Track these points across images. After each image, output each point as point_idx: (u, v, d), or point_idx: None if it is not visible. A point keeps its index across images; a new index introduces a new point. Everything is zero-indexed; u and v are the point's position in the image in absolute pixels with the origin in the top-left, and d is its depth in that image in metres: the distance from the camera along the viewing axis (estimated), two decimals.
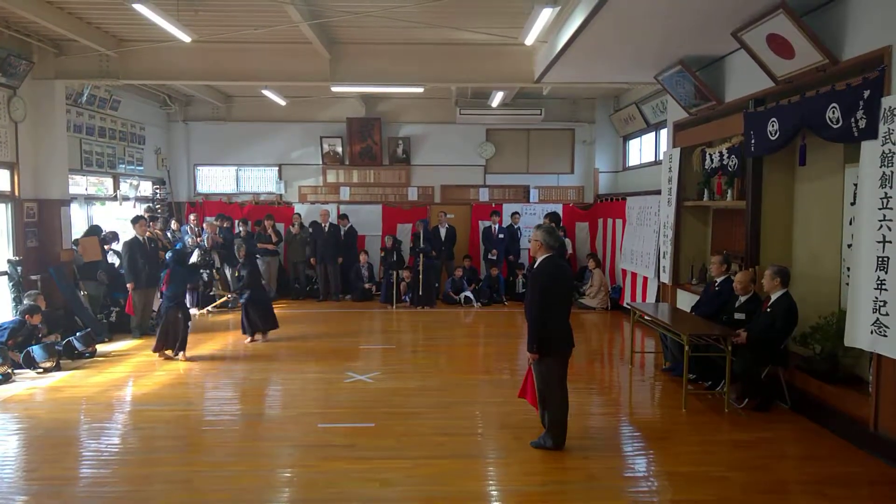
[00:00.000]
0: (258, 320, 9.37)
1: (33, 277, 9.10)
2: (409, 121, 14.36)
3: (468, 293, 12.66)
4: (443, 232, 13.17)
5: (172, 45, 9.16)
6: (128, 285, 9.57)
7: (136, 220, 9.95)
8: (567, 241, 13.61)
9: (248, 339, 9.34)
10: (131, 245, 9.61)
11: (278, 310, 12.11)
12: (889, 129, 5.01)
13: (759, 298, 6.82)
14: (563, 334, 5.29)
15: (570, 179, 14.48)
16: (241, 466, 5.11)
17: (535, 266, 5.39)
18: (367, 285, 13.15)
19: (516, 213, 13.60)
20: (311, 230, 13.09)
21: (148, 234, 10.01)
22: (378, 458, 5.20)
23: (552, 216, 8.56)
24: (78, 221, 10.41)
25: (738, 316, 6.89)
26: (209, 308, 11.88)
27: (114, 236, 10.59)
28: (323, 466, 5.07)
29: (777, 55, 6.33)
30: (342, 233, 13.15)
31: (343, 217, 13.37)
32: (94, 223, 10.85)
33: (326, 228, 12.97)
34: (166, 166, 13.87)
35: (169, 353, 8.40)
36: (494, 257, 13.11)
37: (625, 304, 11.22)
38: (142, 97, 12.79)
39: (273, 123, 14.19)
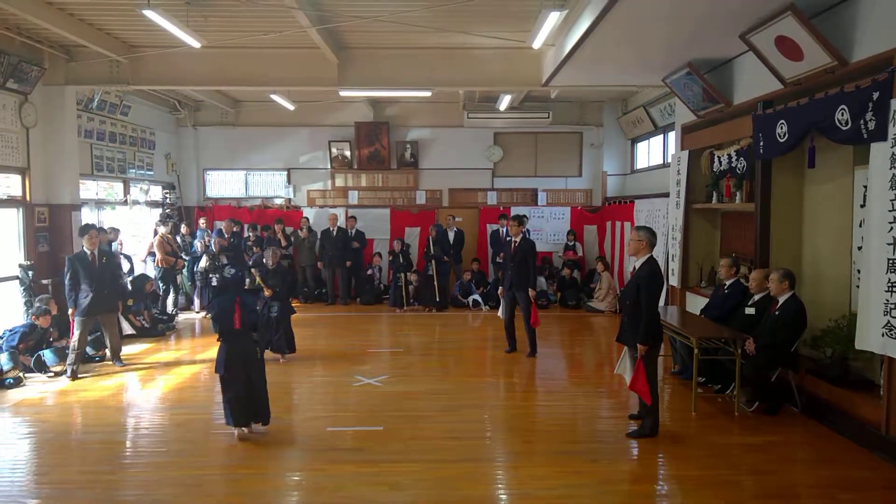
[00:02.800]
0: (282, 339, 8.43)
1: (44, 282, 9.16)
2: (416, 125, 14.39)
3: (476, 296, 12.66)
4: (451, 235, 13.18)
5: (182, 50, 9.22)
6: (69, 311, 7.89)
7: (85, 231, 7.96)
8: (577, 244, 13.63)
9: (281, 357, 8.42)
10: (74, 261, 7.85)
11: None
12: None
13: (771, 297, 6.78)
14: (661, 327, 5.91)
15: (578, 182, 14.46)
16: (249, 470, 5.13)
17: (644, 265, 5.72)
18: (379, 284, 13.26)
19: (524, 215, 13.56)
20: (318, 236, 13.16)
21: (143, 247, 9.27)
22: (387, 462, 5.21)
23: (519, 219, 8.84)
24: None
25: (748, 311, 6.88)
26: None
27: (115, 234, 10.56)
28: (331, 470, 5.08)
29: (785, 57, 6.31)
30: (352, 234, 13.21)
31: (352, 218, 13.43)
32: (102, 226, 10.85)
33: (335, 233, 13.01)
34: (176, 171, 13.96)
35: (254, 427, 5.83)
36: (502, 261, 13.07)
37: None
38: (152, 102, 12.88)
39: (281, 128, 14.26)
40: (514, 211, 13.79)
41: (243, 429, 5.74)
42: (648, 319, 5.60)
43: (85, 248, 7.90)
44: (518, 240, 8.69)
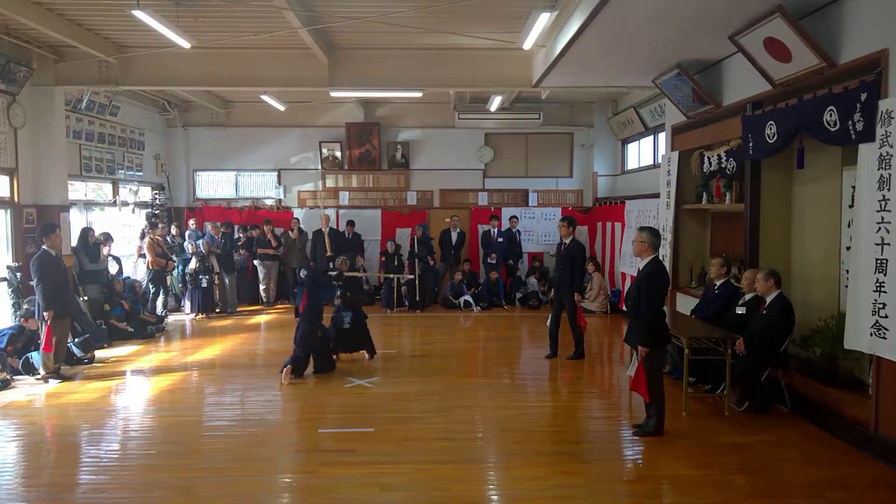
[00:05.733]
0: (365, 345, 8.57)
1: (32, 283, 9.07)
2: (407, 125, 14.38)
3: (468, 297, 12.66)
4: (454, 236, 13.17)
5: (172, 51, 9.17)
6: (45, 314, 7.45)
7: (49, 230, 7.65)
8: None
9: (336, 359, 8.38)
10: (42, 262, 7.48)
11: (277, 315, 12.17)
12: (886, 131, 5.02)
13: (761, 296, 6.81)
14: (667, 327, 5.91)
15: (568, 183, 14.49)
16: (240, 472, 5.10)
17: (647, 266, 5.72)
18: (365, 286, 13.22)
19: (514, 216, 13.61)
20: (309, 236, 13.11)
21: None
22: (378, 463, 5.19)
23: (570, 220, 8.58)
24: (77, 227, 10.38)
25: (738, 310, 6.92)
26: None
27: (107, 237, 10.52)
28: (322, 472, 5.06)
29: (774, 58, 6.35)
30: (348, 238, 13.15)
31: (350, 223, 13.38)
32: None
33: (327, 233, 12.95)
34: (165, 172, 13.88)
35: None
36: (493, 261, 13.11)
37: (624, 308, 11.20)
38: (141, 103, 12.80)
39: (272, 129, 14.21)
40: (506, 212, 13.86)
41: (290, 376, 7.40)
42: (646, 321, 5.61)
43: (47, 249, 7.56)
44: (568, 242, 8.46)
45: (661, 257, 9.59)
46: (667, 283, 5.90)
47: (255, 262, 12.94)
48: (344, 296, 8.23)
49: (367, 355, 8.53)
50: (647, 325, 5.60)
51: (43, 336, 7.49)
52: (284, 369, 7.46)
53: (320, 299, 7.85)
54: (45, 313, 7.46)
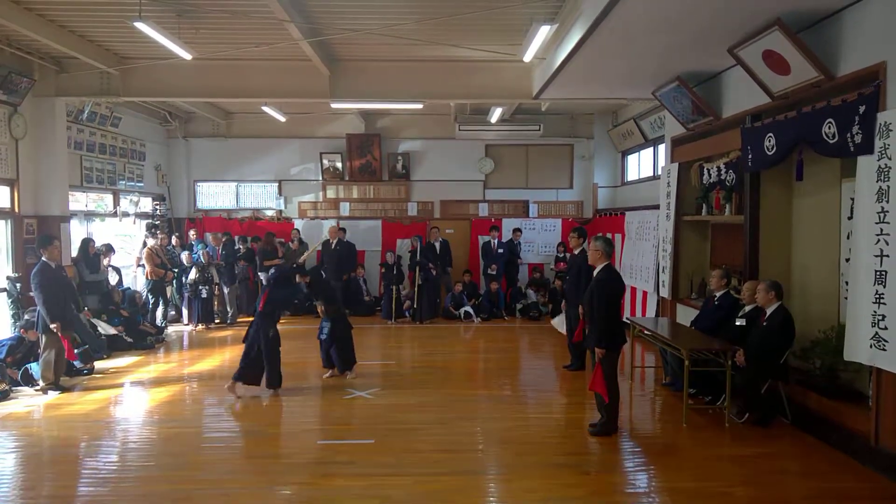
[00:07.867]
0: (338, 358, 8.18)
1: (32, 294, 9.07)
2: (408, 136, 14.43)
3: (468, 308, 12.65)
4: (437, 247, 13.17)
5: (173, 62, 9.22)
6: (52, 326, 7.36)
7: (46, 242, 7.58)
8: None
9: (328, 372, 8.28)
10: (42, 274, 7.38)
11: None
12: (885, 143, 5.04)
13: (761, 308, 6.82)
14: (622, 329, 6.18)
15: (569, 194, 14.52)
16: (239, 483, 5.09)
17: (599, 273, 6.14)
18: (367, 297, 13.23)
19: (518, 229, 13.61)
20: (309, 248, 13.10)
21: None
22: (378, 475, 5.18)
23: (580, 231, 8.54)
24: (78, 238, 10.39)
25: (738, 322, 6.92)
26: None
27: (108, 249, 10.54)
28: (322, 483, 5.05)
29: (773, 71, 6.38)
30: (336, 248, 13.11)
31: (341, 230, 13.38)
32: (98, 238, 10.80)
33: (334, 245, 12.89)
34: (166, 182, 13.92)
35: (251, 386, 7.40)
36: (494, 272, 13.11)
37: (624, 319, 11.18)
38: (142, 114, 12.86)
39: (273, 139, 14.26)
40: (507, 223, 13.87)
41: (236, 382, 7.31)
42: (599, 325, 5.95)
43: (47, 260, 7.48)
44: (577, 252, 8.52)
45: (659, 268, 9.74)
46: (619, 287, 6.29)
47: (260, 274, 12.89)
48: (326, 307, 8.13)
49: (337, 371, 8.18)
50: (600, 328, 5.94)
51: (63, 345, 7.50)
52: (234, 383, 7.33)
53: (278, 299, 7.75)
54: (52, 326, 7.36)
